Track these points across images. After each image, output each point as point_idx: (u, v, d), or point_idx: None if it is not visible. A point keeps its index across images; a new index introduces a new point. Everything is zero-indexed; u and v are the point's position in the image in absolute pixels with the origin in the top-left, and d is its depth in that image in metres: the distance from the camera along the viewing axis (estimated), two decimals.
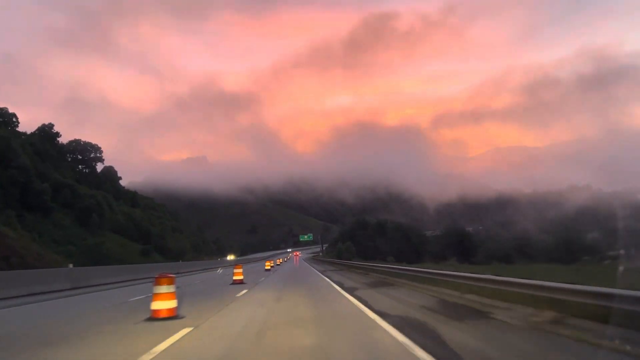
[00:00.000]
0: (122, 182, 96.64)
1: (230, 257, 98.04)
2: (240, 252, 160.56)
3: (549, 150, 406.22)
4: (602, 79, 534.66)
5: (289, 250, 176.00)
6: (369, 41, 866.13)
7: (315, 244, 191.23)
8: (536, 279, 8.98)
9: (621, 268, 9.80)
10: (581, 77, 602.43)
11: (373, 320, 8.85)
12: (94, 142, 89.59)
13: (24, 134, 70.74)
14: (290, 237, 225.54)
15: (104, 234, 61.69)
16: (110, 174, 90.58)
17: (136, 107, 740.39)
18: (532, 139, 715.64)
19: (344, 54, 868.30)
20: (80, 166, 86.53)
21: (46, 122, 76.93)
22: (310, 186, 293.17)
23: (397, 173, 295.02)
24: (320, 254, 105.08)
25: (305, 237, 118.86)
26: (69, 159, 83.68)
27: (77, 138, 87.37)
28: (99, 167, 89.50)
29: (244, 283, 20.93)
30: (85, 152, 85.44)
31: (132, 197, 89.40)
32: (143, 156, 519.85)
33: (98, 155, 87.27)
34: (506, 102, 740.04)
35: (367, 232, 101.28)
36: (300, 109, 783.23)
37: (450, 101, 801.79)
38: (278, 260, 57.42)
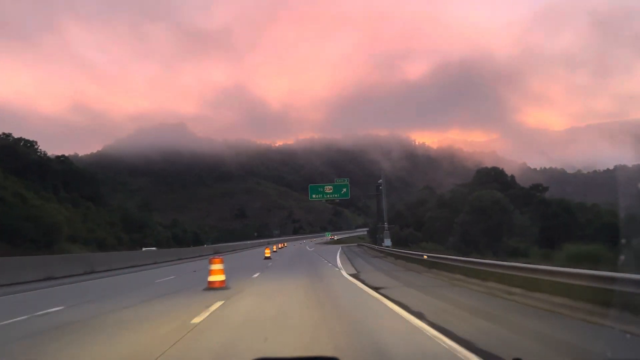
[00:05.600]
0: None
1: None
2: (213, 240, 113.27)
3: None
4: None
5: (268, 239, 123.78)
6: None
7: (334, 230, 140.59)
8: None
9: (622, 257, 9.54)
10: None
11: None
12: None
13: None
14: (290, 223, 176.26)
15: None
16: None
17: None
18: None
19: None
20: None
21: None
22: (320, 153, 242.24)
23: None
24: (385, 241, 45.01)
25: (327, 192, 48.60)
26: None
27: None
28: None
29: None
30: None
31: None
32: (101, 121, 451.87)
33: None
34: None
35: None
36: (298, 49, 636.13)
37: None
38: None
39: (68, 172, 68.72)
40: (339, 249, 56.27)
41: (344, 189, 49.02)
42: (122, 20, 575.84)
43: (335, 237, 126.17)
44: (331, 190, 48.93)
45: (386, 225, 48.32)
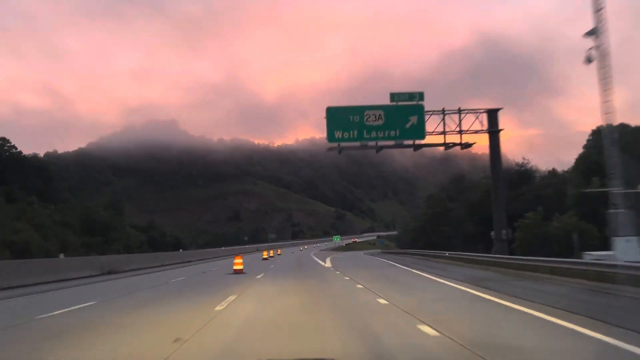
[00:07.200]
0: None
1: None
2: (198, 245, 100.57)
3: None
4: None
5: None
6: None
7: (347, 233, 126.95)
8: None
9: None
10: None
11: None
12: None
13: None
14: (289, 227, 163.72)
15: None
16: None
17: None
18: None
19: None
20: None
21: None
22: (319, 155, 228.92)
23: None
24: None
25: (371, 125, 22.12)
26: None
27: None
28: None
29: None
30: None
31: None
32: (83, 117, 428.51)
33: None
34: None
35: None
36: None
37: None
38: None
39: (7, 160, 55.31)
40: (410, 270, 24.06)
41: (413, 118, 22.56)
42: (102, 6, 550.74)
43: (358, 240, 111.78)
44: (381, 122, 21.86)
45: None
